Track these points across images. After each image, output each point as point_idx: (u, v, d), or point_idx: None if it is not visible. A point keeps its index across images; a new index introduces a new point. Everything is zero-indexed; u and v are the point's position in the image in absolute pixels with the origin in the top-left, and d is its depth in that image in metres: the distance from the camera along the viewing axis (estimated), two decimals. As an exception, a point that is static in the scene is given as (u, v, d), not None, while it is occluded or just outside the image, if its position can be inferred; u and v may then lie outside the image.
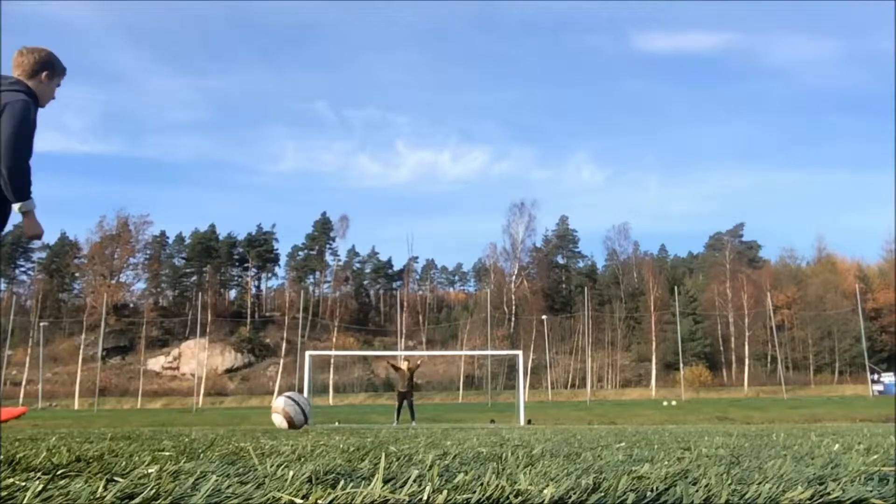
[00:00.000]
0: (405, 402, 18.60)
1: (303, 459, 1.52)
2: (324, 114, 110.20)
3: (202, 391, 59.66)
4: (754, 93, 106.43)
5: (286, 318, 67.91)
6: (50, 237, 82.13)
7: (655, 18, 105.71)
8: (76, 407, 55.80)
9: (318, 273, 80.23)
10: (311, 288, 78.11)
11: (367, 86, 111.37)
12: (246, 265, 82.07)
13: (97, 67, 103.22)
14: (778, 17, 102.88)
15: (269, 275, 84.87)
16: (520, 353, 20.14)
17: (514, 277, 75.77)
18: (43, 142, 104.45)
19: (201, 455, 1.65)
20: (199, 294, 66.64)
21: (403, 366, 19.25)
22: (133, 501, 0.83)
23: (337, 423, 21.49)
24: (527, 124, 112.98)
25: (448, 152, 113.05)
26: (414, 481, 0.92)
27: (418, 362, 19.60)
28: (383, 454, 1.57)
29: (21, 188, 3.98)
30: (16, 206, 4.02)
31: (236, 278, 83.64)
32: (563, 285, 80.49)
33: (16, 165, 3.92)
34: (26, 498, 0.82)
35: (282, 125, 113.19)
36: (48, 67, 4.33)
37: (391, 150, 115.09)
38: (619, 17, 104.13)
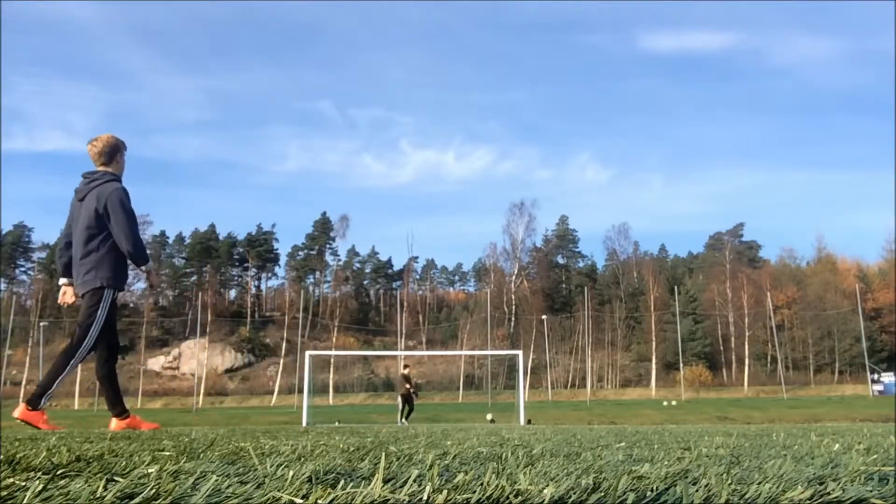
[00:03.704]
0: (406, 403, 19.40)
1: (303, 459, 1.51)
2: (328, 113, 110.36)
3: (202, 391, 59.67)
4: (757, 92, 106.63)
5: (286, 318, 67.95)
6: (50, 237, 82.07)
7: (660, 18, 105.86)
8: (76, 407, 55.81)
9: (318, 273, 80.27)
10: (311, 288, 78.15)
11: (371, 85, 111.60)
12: (246, 265, 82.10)
13: (101, 66, 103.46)
14: (782, 16, 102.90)
15: (269, 275, 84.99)
16: (520, 353, 20.13)
17: (514, 277, 75.77)
18: (46, 141, 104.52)
19: (201, 455, 1.65)
20: (199, 294, 66.65)
21: (406, 371, 20.19)
22: (133, 501, 0.83)
23: (337, 423, 21.50)
24: (531, 124, 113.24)
25: (452, 152, 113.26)
26: (414, 481, 0.92)
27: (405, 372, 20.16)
28: (383, 454, 1.57)
29: (141, 257, 5.10)
30: (141, 268, 5.20)
31: (236, 278, 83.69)
32: (563, 285, 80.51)
33: (135, 245, 5.02)
34: (26, 498, 0.82)
35: (286, 125, 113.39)
36: (120, 149, 5.20)
37: (395, 150, 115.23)
38: (625, 17, 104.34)
